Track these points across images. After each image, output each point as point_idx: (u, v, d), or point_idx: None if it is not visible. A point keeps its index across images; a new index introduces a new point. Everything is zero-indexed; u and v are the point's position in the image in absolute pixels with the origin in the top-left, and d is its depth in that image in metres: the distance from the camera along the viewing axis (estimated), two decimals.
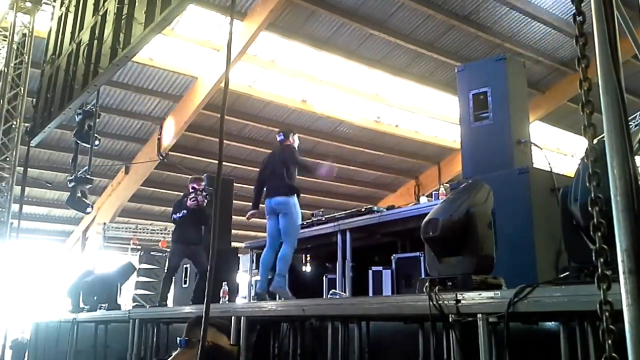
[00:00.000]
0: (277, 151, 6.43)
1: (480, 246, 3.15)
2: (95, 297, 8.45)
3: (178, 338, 2.92)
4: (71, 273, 13.60)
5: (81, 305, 8.74)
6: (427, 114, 16.42)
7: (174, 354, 2.94)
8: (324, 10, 12.02)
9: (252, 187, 6.51)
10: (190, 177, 7.75)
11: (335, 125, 16.24)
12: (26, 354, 11.98)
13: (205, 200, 7.23)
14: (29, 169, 9.95)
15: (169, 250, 8.74)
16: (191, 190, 7.32)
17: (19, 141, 10.86)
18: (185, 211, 7.17)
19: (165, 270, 7.41)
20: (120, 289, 9.03)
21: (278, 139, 6.51)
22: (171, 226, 9.13)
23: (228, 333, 3.05)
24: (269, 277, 6.05)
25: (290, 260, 6.02)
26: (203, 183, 7.54)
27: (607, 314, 1.41)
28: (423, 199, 7.61)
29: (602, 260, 1.43)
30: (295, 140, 6.46)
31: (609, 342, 1.39)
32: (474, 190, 3.39)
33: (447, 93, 14.50)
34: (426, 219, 3.34)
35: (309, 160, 6.22)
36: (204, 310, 2.24)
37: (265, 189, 6.26)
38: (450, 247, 3.24)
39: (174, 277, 7.62)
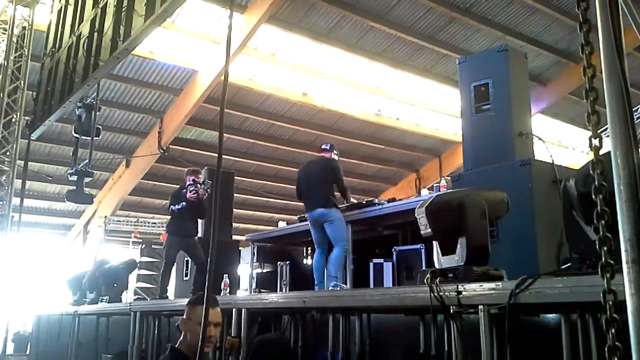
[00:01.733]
0: (317, 162, 6.69)
1: (471, 234, 3.14)
2: (103, 289, 8.44)
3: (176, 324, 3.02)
4: (73, 266, 13.64)
5: (87, 296, 8.73)
6: (428, 106, 16.39)
7: (177, 344, 3.00)
8: (324, 3, 11.97)
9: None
10: (186, 169, 7.71)
11: (336, 118, 16.21)
12: (28, 347, 12.03)
13: (206, 194, 7.21)
14: (29, 163, 9.94)
15: None
16: (190, 182, 7.28)
17: (19, 135, 10.84)
18: (184, 203, 7.14)
19: (163, 263, 7.40)
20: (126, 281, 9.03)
21: (322, 147, 6.80)
22: None
23: (200, 302, 3.06)
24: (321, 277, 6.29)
25: (343, 262, 6.16)
26: (201, 176, 7.51)
27: (610, 302, 1.40)
28: (424, 192, 7.60)
29: (605, 248, 1.43)
30: (335, 154, 6.74)
31: (613, 331, 1.39)
32: (484, 189, 3.42)
33: (448, 86, 14.47)
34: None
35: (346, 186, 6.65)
36: (204, 302, 2.24)
37: (304, 202, 6.52)
38: (439, 227, 3.23)
39: (172, 270, 7.63)
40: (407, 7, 12.41)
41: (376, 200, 6.58)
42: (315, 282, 6.33)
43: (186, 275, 8.16)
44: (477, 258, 3.13)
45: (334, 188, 6.44)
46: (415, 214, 3.29)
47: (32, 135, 8.82)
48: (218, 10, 12.07)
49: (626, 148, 1.52)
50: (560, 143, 18.08)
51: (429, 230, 3.23)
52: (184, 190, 7.25)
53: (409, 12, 12.58)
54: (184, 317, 3.05)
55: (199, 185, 7.21)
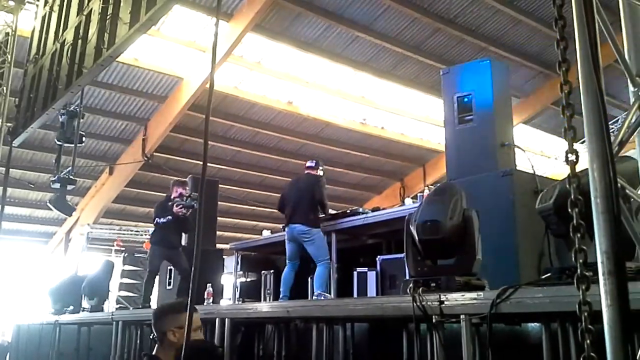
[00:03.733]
0: (304, 178, 6.67)
1: (476, 248, 3.17)
2: (84, 297, 8.34)
3: (151, 336, 2.97)
4: (54, 275, 13.47)
5: (83, 305, 8.60)
6: (412, 116, 16.50)
7: (155, 350, 2.97)
8: (310, 12, 12.03)
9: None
10: (172, 179, 7.67)
11: (321, 127, 16.25)
12: (7, 357, 11.83)
13: (191, 210, 7.18)
14: (11, 170, 9.82)
15: None
16: (177, 194, 7.24)
17: (0, 141, 10.72)
18: (170, 217, 7.11)
19: (147, 272, 7.36)
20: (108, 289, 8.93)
21: (308, 164, 6.77)
22: None
23: (180, 309, 3.03)
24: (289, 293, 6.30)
25: (327, 278, 6.15)
26: (188, 188, 7.48)
27: (586, 314, 1.43)
28: (408, 201, 7.64)
29: (581, 261, 1.45)
30: (320, 171, 6.72)
31: (588, 342, 1.42)
32: (458, 193, 3.42)
33: (433, 96, 14.58)
34: (420, 219, 3.31)
35: (327, 201, 6.59)
36: (187, 311, 2.24)
37: (286, 215, 6.47)
38: (448, 248, 3.25)
39: (156, 279, 7.57)
40: (392, 18, 12.51)
41: (360, 209, 6.61)
42: (281, 295, 6.33)
43: (169, 284, 8.10)
44: (473, 268, 3.17)
45: (315, 206, 6.41)
46: (425, 240, 3.24)
47: (14, 142, 8.71)
48: (204, 18, 12.07)
49: (602, 161, 1.56)
50: (543, 153, 18.27)
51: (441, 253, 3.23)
52: (170, 202, 7.20)
53: (394, 23, 12.69)
54: (172, 327, 2.96)
55: (186, 200, 7.17)
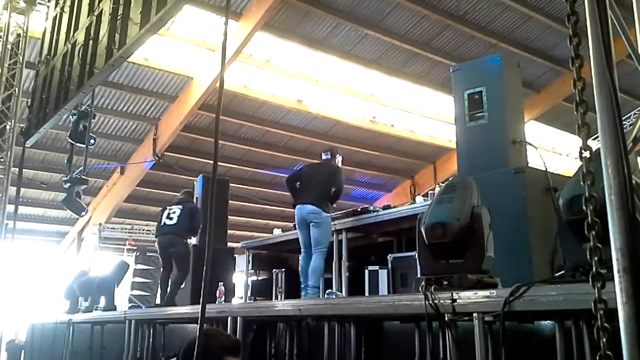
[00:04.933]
0: (322, 165, 6.60)
1: (486, 246, 3.15)
2: (89, 298, 8.44)
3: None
4: (67, 274, 13.57)
5: (80, 305, 8.72)
6: (422, 113, 16.44)
7: None
8: (319, 10, 12.01)
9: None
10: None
11: (330, 125, 16.23)
12: (22, 355, 11.94)
13: None
14: (24, 170, 9.92)
15: None
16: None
17: (13, 142, 10.80)
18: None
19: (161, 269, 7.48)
20: (115, 289, 9.00)
21: (324, 157, 6.70)
22: None
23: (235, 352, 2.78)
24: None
25: (323, 271, 6.08)
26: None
27: (601, 312, 1.42)
28: (419, 199, 7.61)
29: (596, 258, 1.44)
30: (339, 161, 6.67)
31: (604, 340, 1.40)
32: (467, 189, 3.40)
33: (443, 93, 14.51)
34: (428, 222, 3.30)
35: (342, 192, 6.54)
36: (200, 310, 2.24)
37: (297, 194, 6.36)
38: (457, 249, 3.23)
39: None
40: (401, 15, 12.47)
41: (371, 208, 6.59)
42: (302, 285, 6.22)
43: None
44: (485, 266, 3.14)
45: (330, 194, 6.34)
46: (434, 243, 3.23)
47: (26, 142, 8.78)
48: (213, 18, 12.09)
49: (616, 157, 1.54)
50: (555, 150, 18.15)
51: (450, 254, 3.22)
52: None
53: (404, 20, 12.64)
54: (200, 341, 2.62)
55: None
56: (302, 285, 6.22)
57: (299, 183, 6.46)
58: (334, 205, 6.45)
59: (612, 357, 1.39)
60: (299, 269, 6.38)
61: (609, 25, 1.65)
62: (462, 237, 3.20)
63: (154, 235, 8.14)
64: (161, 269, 7.78)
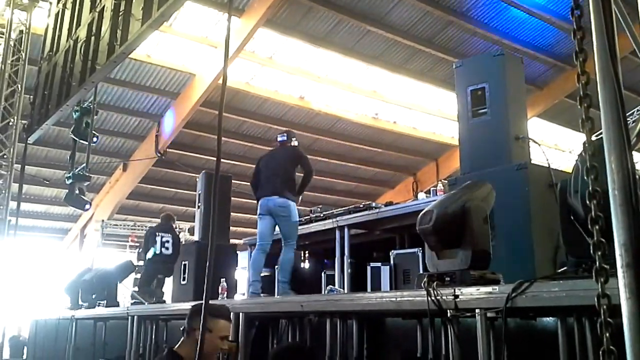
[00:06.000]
0: (280, 151, 6.34)
1: (475, 240, 3.14)
2: (94, 295, 8.47)
3: (182, 327, 3.00)
4: (69, 270, 13.60)
5: (80, 302, 8.75)
6: (425, 110, 16.43)
7: (179, 341, 2.99)
8: (322, 7, 12.00)
9: (249, 183, 6.51)
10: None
11: (333, 122, 16.23)
12: (24, 351, 11.98)
13: None
14: (26, 166, 9.93)
15: None
16: None
17: (16, 138, 10.83)
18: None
19: None
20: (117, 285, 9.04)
21: (280, 139, 6.47)
22: None
23: (224, 316, 3.07)
24: (260, 277, 6.09)
25: (292, 265, 6.05)
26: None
27: (604, 307, 1.41)
28: (421, 195, 7.61)
29: (599, 253, 1.44)
30: (295, 143, 6.47)
31: (607, 335, 1.40)
32: (474, 187, 3.40)
33: (445, 89, 14.50)
34: (423, 211, 3.34)
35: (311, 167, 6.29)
36: (203, 305, 2.25)
37: (260, 186, 6.17)
38: (444, 239, 3.23)
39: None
40: (404, 11, 12.45)
41: (373, 204, 6.59)
42: (250, 281, 6.09)
43: (183, 280, 8.14)
44: (480, 262, 3.14)
45: (295, 179, 6.13)
46: (420, 229, 3.27)
47: (29, 139, 8.81)
48: (215, 14, 12.09)
49: (620, 152, 1.54)
50: (557, 146, 18.13)
51: (433, 243, 3.24)
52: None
53: (406, 16, 12.62)
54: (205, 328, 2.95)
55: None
56: (251, 281, 6.06)
57: (259, 176, 6.23)
58: (308, 180, 6.19)
59: (615, 352, 1.39)
60: (249, 264, 6.20)
61: (614, 19, 1.65)
62: (448, 225, 3.21)
63: (151, 259, 8.54)
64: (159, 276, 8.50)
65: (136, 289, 13.37)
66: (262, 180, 6.17)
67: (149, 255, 8.50)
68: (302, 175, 6.25)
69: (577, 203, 2.63)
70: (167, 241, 8.25)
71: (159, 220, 9.45)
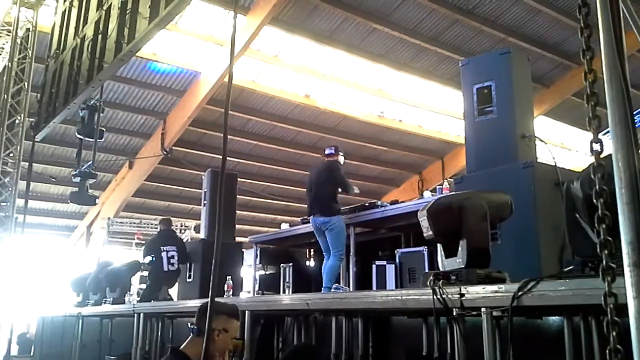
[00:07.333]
0: (323, 167, 6.70)
1: (471, 238, 3.14)
2: (107, 290, 8.49)
3: (189, 324, 2.98)
4: (76, 267, 13.67)
5: (106, 296, 8.75)
6: (430, 108, 16.38)
7: (186, 341, 2.99)
8: (327, 5, 11.98)
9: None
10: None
11: (338, 120, 16.21)
12: (32, 348, 12.05)
13: None
14: (33, 164, 9.98)
15: None
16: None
17: (23, 136, 10.88)
18: None
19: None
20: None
21: (327, 152, 6.79)
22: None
23: (237, 316, 3.09)
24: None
25: (337, 272, 6.21)
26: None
27: (611, 306, 1.41)
28: (427, 194, 7.60)
29: (606, 252, 1.43)
30: (341, 158, 6.76)
31: (614, 334, 1.40)
32: (488, 191, 3.43)
33: (451, 87, 14.45)
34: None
35: (347, 181, 6.66)
36: (209, 303, 2.26)
37: (308, 204, 6.62)
38: (440, 228, 3.24)
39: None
40: (410, 9, 12.41)
41: (379, 202, 6.59)
42: (324, 285, 6.31)
43: (189, 277, 8.17)
44: (478, 260, 3.14)
45: (335, 191, 6.44)
46: (418, 217, 3.30)
47: (36, 136, 8.86)
48: (221, 12, 12.09)
49: (627, 151, 1.53)
50: (563, 145, 18.05)
51: (431, 232, 3.24)
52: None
53: (412, 14, 12.58)
54: (219, 327, 2.89)
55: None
56: (324, 287, 6.33)
57: (309, 193, 6.70)
58: (348, 194, 6.66)
59: (622, 351, 1.38)
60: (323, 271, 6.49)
61: (621, 17, 1.64)
62: (440, 218, 3.23)
63: (154, 275, 8.30)
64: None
65: (142, 286, 13.44)
66: (309, 198, 6.66)
67: (149, 269, 8.32)
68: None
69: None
70: (173, 256, 7.95)
71: (163, 219, 9.33)
